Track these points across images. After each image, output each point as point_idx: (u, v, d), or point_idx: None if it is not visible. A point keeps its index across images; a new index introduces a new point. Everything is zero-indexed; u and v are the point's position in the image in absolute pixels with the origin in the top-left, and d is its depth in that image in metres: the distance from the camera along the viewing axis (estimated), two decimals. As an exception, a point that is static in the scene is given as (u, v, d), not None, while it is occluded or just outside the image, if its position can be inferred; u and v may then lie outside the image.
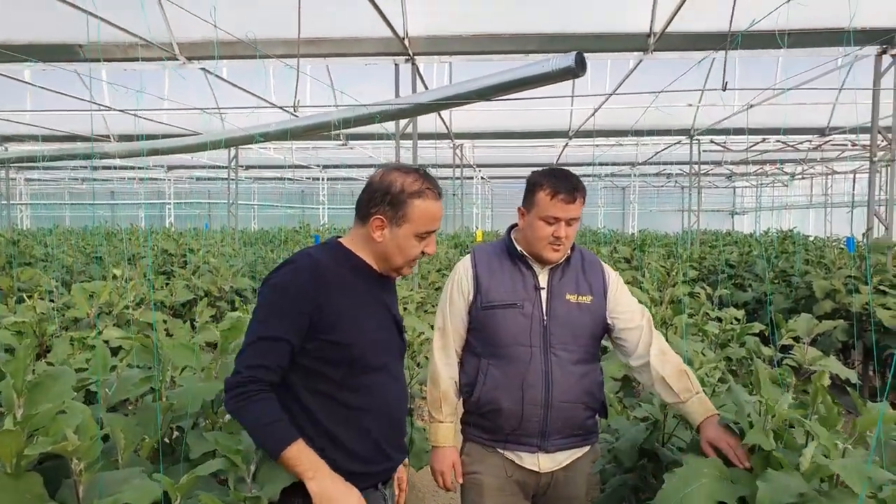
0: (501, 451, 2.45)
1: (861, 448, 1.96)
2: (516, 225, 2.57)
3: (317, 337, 1.85)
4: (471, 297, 2.45)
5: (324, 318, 1.85)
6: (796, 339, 3.63)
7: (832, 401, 2.05)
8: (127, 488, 1.62)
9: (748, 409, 2.14)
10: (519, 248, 2.47)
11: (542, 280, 2.45)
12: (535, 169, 2.51)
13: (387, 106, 6.09)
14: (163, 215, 30.42)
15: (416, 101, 6.01)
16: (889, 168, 8.07)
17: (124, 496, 1.58)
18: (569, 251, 2.47)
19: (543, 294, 2.43)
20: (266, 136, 7.17)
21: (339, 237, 2.04)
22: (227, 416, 2.43)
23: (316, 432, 1.87)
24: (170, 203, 27.67)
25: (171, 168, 24.17)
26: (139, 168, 23.15)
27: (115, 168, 22.83)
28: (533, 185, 2.41)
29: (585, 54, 4.95)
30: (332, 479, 1.79)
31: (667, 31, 6.93)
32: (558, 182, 2.35)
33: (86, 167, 22.35)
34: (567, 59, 4.53)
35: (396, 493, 2.20)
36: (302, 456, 1.77)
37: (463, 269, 2.51)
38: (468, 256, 2.56)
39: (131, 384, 2.37)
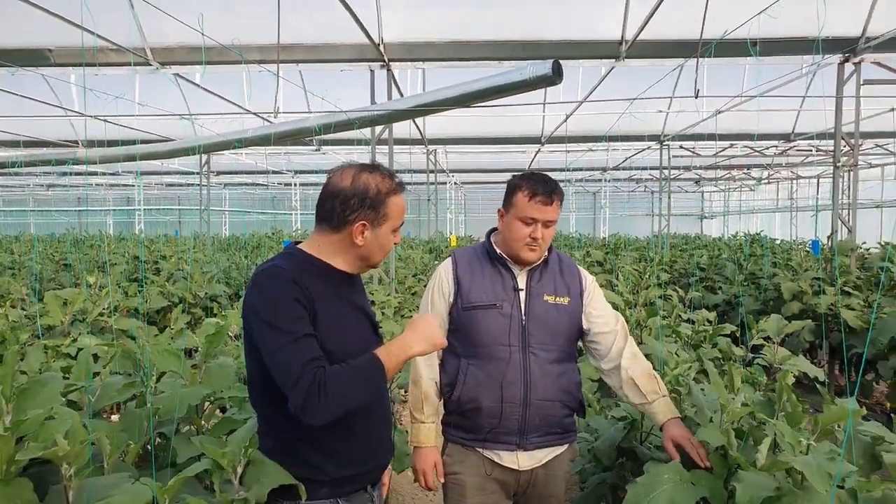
0: (481, 451, 2.49)
1: (826, 443, 2.04)
2: (496, 229, 2.63)
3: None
4: (451, 299, 2.50)
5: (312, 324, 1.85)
6: (767, 339, 3.73)
7: (797, 398, 2.13)
8: (117, 492, 1.63)
9: (708, 410, 2.23)
10: (498, 251, 2.53)
11: (521, 281, 2.51)
12: (515, 173, 2.58)
13: (366, 112, 6.11)
14: (131, 222, 30.03)
15: (395, 107, 6.04)
16: (851, 173, 8.28)
17: (115, 500, 1.58)
18: (546, 253, 2.54)
19: (522, 295, 2.49)
20: (244, 142, 7.15)
21: (299, 243, 2.03)
22: (213, 421, 2.45)
23: (308, 446, 1.88)
24: (139, 209, 27.29)
25: (140, 174, 23.85)
26: (109, 174, 22.79)
27: (83, 174, 22.45)
28: (512, 187, 2.48)
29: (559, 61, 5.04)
30: (412, 334, 1.90)
31: (638, 38, 7.05)
32: (536, 184, 2.42)
33: (52, 173, 21.97)
34: (544, 67, 4.61)
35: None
36: (391, 354, 1.86)
37: (444, 272, 2.56)
38: (449, 259, 2.61)
39: (115, 390, 2.37)
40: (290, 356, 1.75)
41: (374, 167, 2.00)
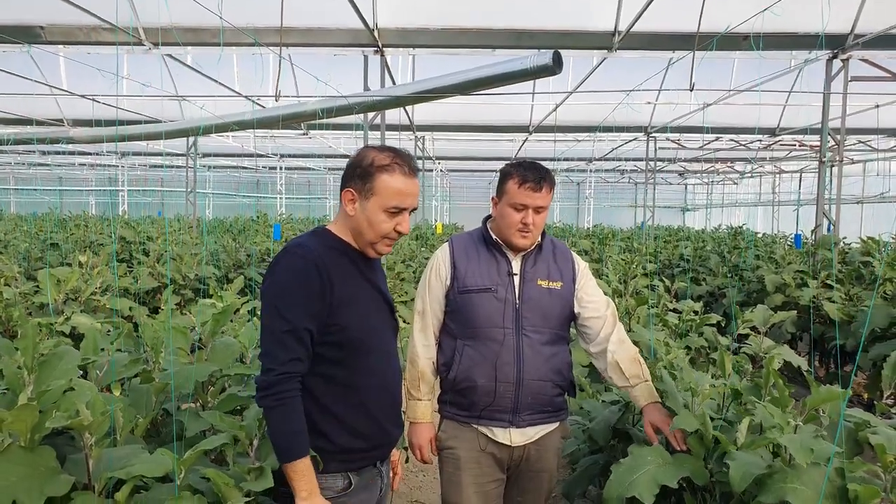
0: (476, 426, 2.58)
1: (811, 425, 2.13)
2: (492, 216, 2.71)
3: (321, 322, 1.91)
4: (448, 283, 2.59)
5: (328, 304, 1.91)
6: (752, 328, 3.83)
7: (783, 382, 2.22)
8: (137, 461, 1.69)
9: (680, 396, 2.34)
10: (494, 237, 2.61)
11: (516, 266, 2.60)
12: (501, 161, 2.66)
13: (367, 97, 6.12)
14: (114, 202, 29.72)
15: (395, 93, 6.06)
16: (835, 168, 8.42)
17: (136, 468, 1.64)
18: (539, 239, 2.63)
19: (516, 279, 2.58)
20: (242, 125, 7.13)
21: (326, 225, 2.09)
22: (218, 398, 2.50)
23: (320, 414, 1.94)
24: (123, 190, 27.02)
25: (124, 154, 23.62)
26: (93, 154, 22.54)
27: (66, 153, 22.20)
28: (504, 175, 2.57)
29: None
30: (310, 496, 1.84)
31: (632, 30, 7.11)
32: (526, 171, 2.51)
33: (34, 151, 21.70)
34: (545, 57, 4.66)
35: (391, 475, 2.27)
36: (306, 473, 1.83)
37: (441, 257, 2.64)
38: (446, 245, 2.70)
39: (121, 366, 2.42)
40: (278, 346, 1.85)
41: (388, 147, 2.05)
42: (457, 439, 2.60)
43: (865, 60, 8.07)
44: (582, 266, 2.72)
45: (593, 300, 2.65)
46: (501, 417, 2.54)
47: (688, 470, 2.06)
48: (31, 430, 1.59)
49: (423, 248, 11.10)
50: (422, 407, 2.62)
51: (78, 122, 12.92)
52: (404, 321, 5.28)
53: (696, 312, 4.50)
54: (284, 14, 6.91)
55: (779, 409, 2.11)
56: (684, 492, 2.21)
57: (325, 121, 7.67)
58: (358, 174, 1.97)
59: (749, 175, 26.71)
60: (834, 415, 2.24)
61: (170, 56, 8.53)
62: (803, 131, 13.30)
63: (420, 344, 2.61)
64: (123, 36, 7.05)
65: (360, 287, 2.02)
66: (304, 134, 15.56)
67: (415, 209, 2.05)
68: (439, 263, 2.62)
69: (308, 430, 1.89)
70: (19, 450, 1.59)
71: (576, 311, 2.64)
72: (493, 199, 2.64)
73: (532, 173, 2.49)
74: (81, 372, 2.38)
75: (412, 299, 6.84)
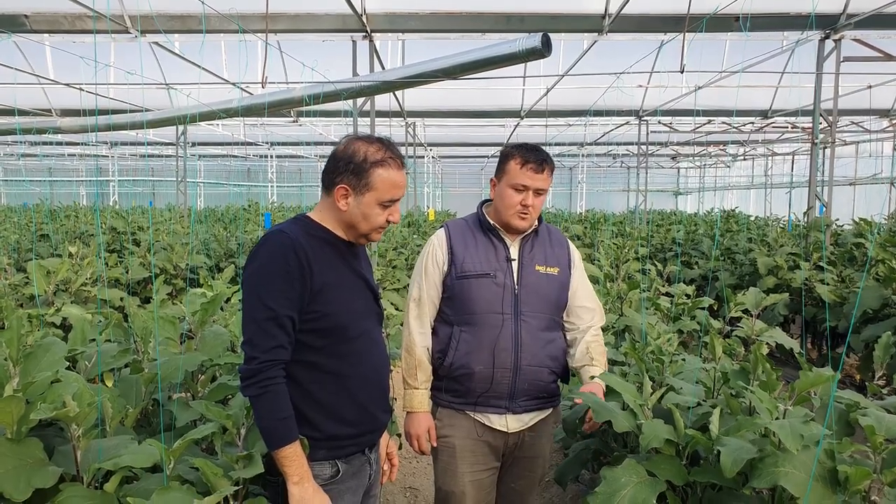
0: (471, 414, 2.56)
1: (801, 408, 2.13)
2: (487, 201, 2.69)
3: (302, 308, 1.90)
4: (445, 268, 2.55)
5: (309, 290, 1.90)
6: (745, 311, 3.84)
7: (770, 367, 2.22)
8: (125, 452, 1.67)
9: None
10: (491, 222, 2.59)
11: (514, 252, 2.58)
12: (493, 147, 2.64)
13: (355, 83, 6.06)
14: (105, 193, 29.58)
15: (384, 78, 6.01)
16: (828, 150, 8.41)
17: (124, 459, 1.62)
18: (536, 223, 2.61)
19: (514, 265, 2.56)
20: (230, 112, 7.06)
21: (307, 213, 2.08)
22: (208, 388, 2.48)
23: (305, 402, 1.93)
24: (114, 180, 26.86)
25: (114, 144, 23.47)
26: (82, 144, 22.38)
27: (55, 144, 22.03)
28: (505, 156, 2.55)
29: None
30: (314, 489, 1.85)
31: (622, 12, 7.06)
32: (528, 153, 2.50)
33: (23, 142, 21.53)
34: (533, 40, 4.62)
35: (387, 468, 2.26)
36: (296, 458, 1.82)
37: (437, 242, 2.60)
38: (442, 230, 2.65)
39: (110, 357, 2.40)
40: (260, 334, 1.84)
41: (375, 138, 2.03)
42: (452, 427, 2.57)
43: (858, 40, 8.05)
44: (577, 256, 2.72)
45: (584, 291, 2.67)
46: (498, 404, 2.53)
47: (666, 474, 2.02)
48: (17, 421, 1.57)
49: (415, 236, 11.07)
50: (419, 396, 2.56)
51: (66, 112, 12.81)
52: (397, 308, 5.26)
53: (688, 296, 4.50)
54: (272, 0, 6.84)
55: (767, 393, 2.10)
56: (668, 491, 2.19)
57: (314, 108, 7.58)
58: (352, 170, 1.95)
59: (741, 158, 26.73)
60: (825, 397, 2.24)
61: (157, 44, 8.44)
62: (795, 113, 13.31)
63: (416, 332, 2.57)
64: (109, 24, 6.96)
65: (342, 274, 2.01)
66: (293, 122, 15.48)
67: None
68: (436, 249, 2.58)
69: (297, 419, 1.89)
70: (6, 442, 1.58)
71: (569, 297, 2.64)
72: (492, 180, 2.61)
73: (534, 154, 2.49)
74: (70, 363, 2.37)
75: (405, 287, 6.83)
